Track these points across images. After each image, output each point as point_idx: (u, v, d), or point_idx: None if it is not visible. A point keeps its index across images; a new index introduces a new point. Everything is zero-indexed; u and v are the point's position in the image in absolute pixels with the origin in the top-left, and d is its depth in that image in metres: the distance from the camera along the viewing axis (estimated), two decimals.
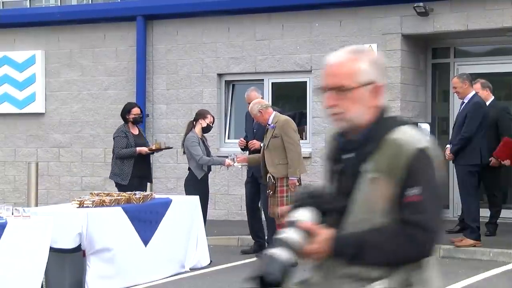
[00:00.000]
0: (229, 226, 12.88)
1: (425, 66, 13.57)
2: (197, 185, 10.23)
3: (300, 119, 13.50)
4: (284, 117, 9.82)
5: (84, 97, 15.18)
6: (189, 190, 10.25)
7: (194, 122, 10.46)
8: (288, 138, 9.58)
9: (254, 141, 10.34)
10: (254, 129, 10.50)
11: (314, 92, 13.43)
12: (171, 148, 12.00)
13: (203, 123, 10.42)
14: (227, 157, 10.45)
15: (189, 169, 10.35)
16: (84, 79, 15.19)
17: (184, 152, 10.46)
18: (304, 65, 13.52)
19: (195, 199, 9.77)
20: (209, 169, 10.49)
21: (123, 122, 10.95)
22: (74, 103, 15.26)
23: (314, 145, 13.38)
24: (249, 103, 10.36)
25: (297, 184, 9.59)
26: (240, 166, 10.52)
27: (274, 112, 9.83)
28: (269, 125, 9.70)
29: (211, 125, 10.52)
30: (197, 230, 9.66)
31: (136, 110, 10.95)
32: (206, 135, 10.67)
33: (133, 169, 10.65)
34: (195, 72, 14.33)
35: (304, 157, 10.68)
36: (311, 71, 13.48)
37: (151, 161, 11.33)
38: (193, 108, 13.42)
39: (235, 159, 10.30)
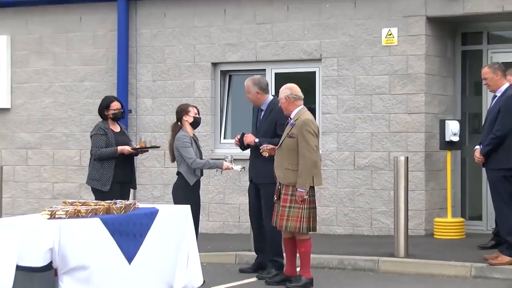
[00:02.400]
0: (225, 240, 12.90)
1: (454, 53, 13.57)
2: (187, 192, 10.16)
3: None
4: (306, 116, 9.51)
5: (56, 89, 15.17)
6: (177, 198, 10.19)
7: (179, 123, 10.34)
8: (303, 142, 9.31)
9: (249, 135, 10.16)
10: (257, 125, 10.36)
11: (325, 84, 13.40)
12: (158, 147, 11.87)
13: (189, 118, 10.29)
14: (224, 159, 10.32)
15: (178, 173, 10.29)
16: (56, 69, 15.18)
17: (172, 160, 10.31)
18: (313, 52, 13.50)
19: (186, 208, 9.70)
20: (202, 174, 10.43)
21: (101, 119, 10.92)
22: (45, 97, 15.24)
23: (325, 145, 13.32)
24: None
25: (306, 197, 9.33)
26: (239, 169, 10.37)
27: (301, 106, 9.60)
28: (290, 119, 9.59)
29: (198, 116, 10.38)
30: (187, 245, 9.60)
31: (115, 105, 10.92)
32: (198, 135, 10.60)
33: (114, 173, 10.62)
34: (186, 60, 14.32)
35: None
36: (320, 59, 13.46)
37: (134, 164, 11.29)
38: (183, 103, 13.37)
39: (232, 161, 10.19)
